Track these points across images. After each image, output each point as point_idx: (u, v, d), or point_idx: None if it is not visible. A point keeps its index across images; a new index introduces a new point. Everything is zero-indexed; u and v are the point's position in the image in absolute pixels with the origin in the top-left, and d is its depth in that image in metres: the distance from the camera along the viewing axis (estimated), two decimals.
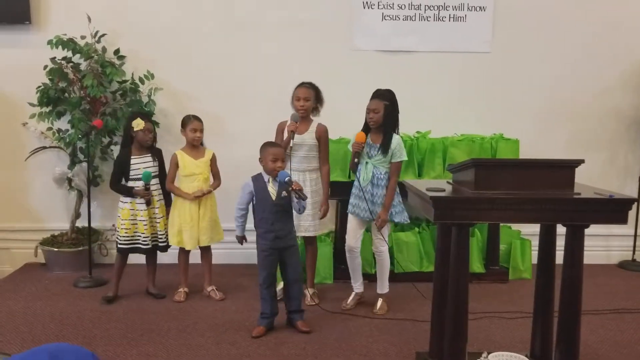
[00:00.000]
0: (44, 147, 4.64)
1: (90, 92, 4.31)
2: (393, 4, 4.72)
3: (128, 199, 3.84)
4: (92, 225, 4.39)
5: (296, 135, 3.73)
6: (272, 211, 3.35)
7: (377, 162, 3.62)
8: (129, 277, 4.26)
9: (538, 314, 2.84)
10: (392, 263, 4.37)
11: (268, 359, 3.08)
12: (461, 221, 2.46)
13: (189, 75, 4.69)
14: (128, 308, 3.80)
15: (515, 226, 4.74)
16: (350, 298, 3.86)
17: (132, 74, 4.55)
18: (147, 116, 3.99)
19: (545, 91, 4.86)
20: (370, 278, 4.17)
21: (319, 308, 3.77)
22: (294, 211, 3.41)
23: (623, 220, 2.46)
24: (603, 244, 4.95)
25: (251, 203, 3.46)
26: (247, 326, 3.48)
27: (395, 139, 3.61)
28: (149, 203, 3.82)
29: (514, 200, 2.44)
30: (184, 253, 4.03)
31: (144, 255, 4.01)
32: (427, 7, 4.73)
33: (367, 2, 4.71)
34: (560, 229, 2.64)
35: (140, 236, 3.87)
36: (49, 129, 4.53)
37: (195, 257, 4.11)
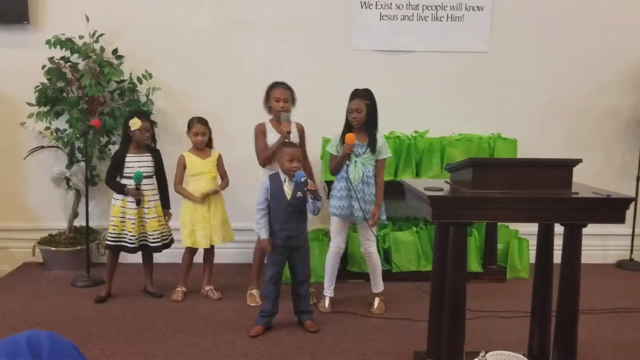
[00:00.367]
0: (42, 147, 4.63)
1: (88, 91, 4.30)
2: (391, 4, 4.72)
3: (120, 196, 3.85)
4: (90, 224, 4.38)
5: (275, 135, 3.73)
6: (286, 211, 3.37)
7: (365, 160, 3.64)
8: (126, 276, 4.27)
9: (536, 313, 2.84)
10: (389, 262, 4.40)
11: (265, 358, 3.08)
12: (459, 220, 2.47)
13: (187, 75, 4.69)
14: (125, 307, 3.79)
15: (512, 225, 4.74)
16: (327, 303, 3.80)
17: (130, 74, 4.54)
18: (145, 115, 3.99)
19: (543, 91, 4.87)
20: (367, 277, 4.17)
21: (313, 307, 3.76)
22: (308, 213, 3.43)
23: (620, 219, 2.47)
24: (600, 244, 4.96)
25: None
26: (244, 326, 3.48)
27: (380, 137, 3.68)
28: (138, 203, 3.80)
29: (512, 199, 2.44)
30: (190, 253, 4.03)
31: (140, 254, 4.00)
32: (425, 7, 4.73)
33: (365, 2, 4.71)
34: (558, 229, 2.64)
35: (127, 234, 3.86)
36: (47, 128, 4.52)
37: (195, 257, 4.10)
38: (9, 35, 4.58)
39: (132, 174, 3.78)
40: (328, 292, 3.83)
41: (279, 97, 3.74)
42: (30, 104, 4.43)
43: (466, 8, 4.74)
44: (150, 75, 4.52)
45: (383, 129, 4.50)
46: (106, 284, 3.98)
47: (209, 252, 4.06)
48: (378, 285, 3.83)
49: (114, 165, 3.89)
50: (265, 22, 4.68)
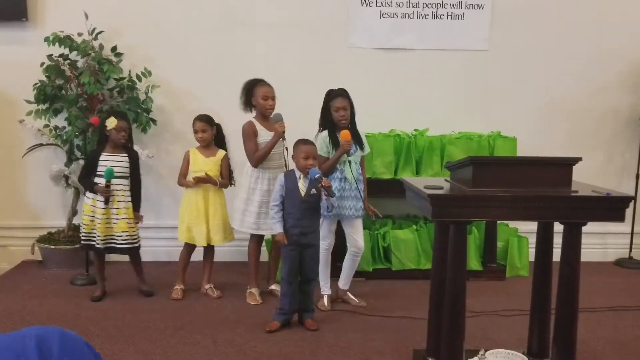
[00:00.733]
0: (41, 145, 4.62)
1: (87, 89, 4.29)
2: (391, 2, 4.71)
3: (91, 195, 3.80)
4: None
5: (266, 134, 3.72)
6: (300, 207, 3.38)
7: (357, 158, 3.69)
8: (125, 275, 4.26)
9: (535, 311, 2.84)
10: (389, 260, 4.40)
11: (265, 357, 3.08)
12: (459, 219, 2.46)
13: (187, 73, 4.68)
14: (125, 306, 3.79)
15: (512, 224, 4.74)
16: (326, 301, 3.80)
17: (130, 71, 4.54)
18: (122, 115, 3.92)
19: (543, 89, 4.86)
20: (368, 275, 4.18)
21: (316, 307, 3.77)
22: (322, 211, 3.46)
23: (620, 218, 2.47)
24: (600, 242, 4.96)
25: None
26: (244, 324, 3.48)
27: (362, 133, 3.75)
28: (107, 202, 3.74)
29: (512, 198, 2.44)
30: (187, 250, 4.03)
31: (141, 252, 4.00)
32: (425, 5, 4.72)
33: (365, 0, 4.70)
34: (558, 227, 2.64)
35: (95, 234, 3.81)
36: (46, 126, 4.51)
37: (194, 255, 4.10)
38: (8, 33, 4.56)
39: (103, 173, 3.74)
40: (326, 290, 3.83)
41: (268, 95, 3.74)
42: (29, 102, 4.42)
43: (466, 6, 4.73)
44: (150, 73, 4.51)
45: (383, 127, 4.53)
46: (99, 283, 3.96)
47: (209, 250, 4.05)
48: (349, 282, 3.85)
49: (87, 163, 3.87)
50: (265, 20, 4.67)
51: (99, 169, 3.78)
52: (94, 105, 4.40)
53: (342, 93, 3.65)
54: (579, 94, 4.90)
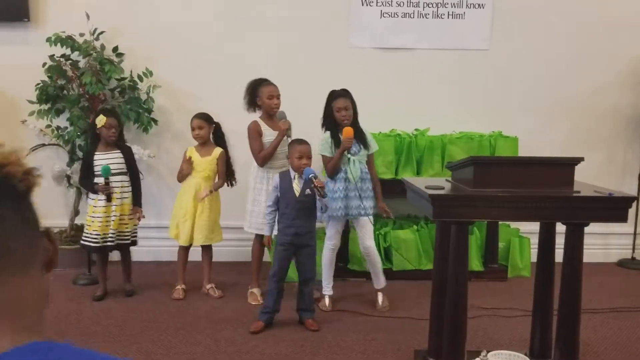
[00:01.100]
0: (43, 145, 4.62)
1: (89, 89, 4.29)
2: (392, 1, 4.70)
3: (94, 196, 3.83)
4: None
5: (272, 134, 3.72)
6: (295, 207, 3.38)
7: (361, 157, 3.69)
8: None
9: (537, 312, 2.84)
10: (390, 261, 4.39)
11: (265, 357, 3.08)
12: (460, 219, 2.46)
13: (188, 73, 4.67)
14: (127, 305, 3.79)
15: (514, 224, 4.73)
16: (327, 301, 3.80)
17: (131, 72, 4.54)
18: (111, 112, 3.92)
19: (544, 89, 4.85)
20: (368, 276, 4.16)
21: (317, 307, 3.76)
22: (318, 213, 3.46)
23: (623, 218, 2.46)
24: (602, 242, 4.94)
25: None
26: (245, 324, 3.48)
27: (367, 132, 3.74)
28: (109, 198, 3.77)
29: (513, 198, 2.44)
30: (183, 249, 4.03)
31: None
32: (425, 4, 4.71)
33: (365, 0, 4.69)
34: (560, 227, 2.63)
35: (92, 234, 3.82)
36: (48, 126, 4.52)
37: (194, 255, 4.10)
38: (10, 33, 4.57)
39: (100, 172, 3.76)
40: (327, 290, 3.83)
41: (273, 94, 3.74)
42: (31, 102, 4.42)
43: (467, 5, 4.73)
44: (151, 73, 4.51)
45: (384, 127, 4.52)
46: (101, 283, 3.96)
47: (205, 249, 4.05)
48: (380, 280, 3.82)
49: (83, 165, 3.89)
50: (265, 20, 4.67)
51: (95, 168, 3.79)
52: (96, 106, 4.40)
53: (343, 94, 3.65)
54: (580, 93, 4.88)
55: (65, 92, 4.46)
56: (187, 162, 3.88)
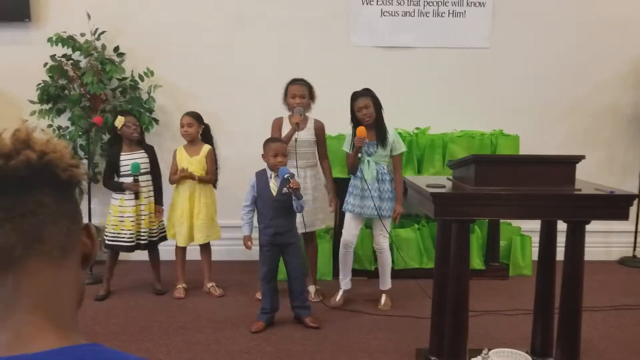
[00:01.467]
0: None
1: (90, 89, 4.30)
2: (392, 0, 4.70)
3: (119, 196, 3.86)
4: (93, 222, 4.38)
5: (297, 133, 3.72)
6: (273, 207, 3.36)
7: (378, 158, 3.67)
8: (129, 274, 4.27)
9: (539, 310, 2.84)
10: (392, 260, 4.39)
11: (268, 356, 3.08)
12: (461, 217, 2.46)
13: (189, 73, 4.68)
14: (128, 304, 3.80)
15: (515, 222, 4.73)
16: (339, 296, 3.83)
17: (132, 71, 4.54)
18: (128, 112, 3.97)
19: (545, 87, 4.85)
20: (370, 275, 4.17)
21: (320, 304, 3.77)
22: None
23: (624, 216, 2.46)
24: (603, 241, 4.94)
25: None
26: (246, 323, 3.48)
27: (391, 132, 3.71)
28: (137, 196, 3.81)
29: (515, 196, 2.44)
30: (180, 249, 4.03)
31: (144, 251, 4.01)
32: (426, 3, 4.71)
33: None
34: (561, 225, 2.63)
35: (126, 233, 3.85)
36: (49, 126, 4.52)
37: (195, 254, 4.11)
38: (11, 33, 4.57)
39: (128, 172, 3.80)
40: (341, 284, 3.86)
41: (295, 94, 3.76)
42: (32, 102, 4.43)
43: (467, 4, 4.73)
44: (152, 73, 4.52)
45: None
46: (105, 283, 3.97)
47: (204, 248, 4.05)
48: (386, 282, 3.83)
49: (110, 166, 3.91)
50: (265, 20, 4.67)
51: (123, 168, 3.84)
52: (97, 105, 4.41)
53: (362, 93, 3.66)
54: (581, 91, 4.88)
55: (66, 92, 4.47)
56: (182, 172, 3.87)
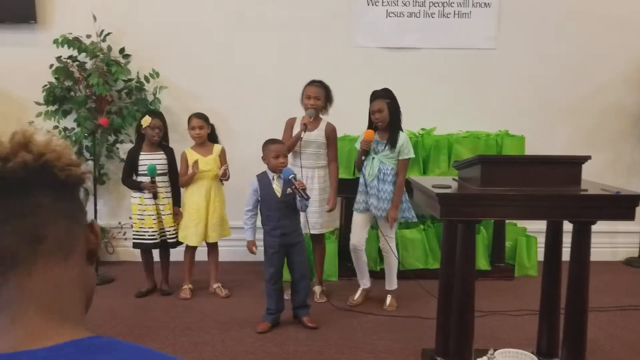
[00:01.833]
0: None
1: (96, 90, 4.32)
2: (397, 1, 4.70)
3: (138, 194, 3.91)
4: (99, 223, 4.40)
5: (305, 133, 3.73)
6: (278, 208, 3.37)
7: (383, 157, 3.66)
8: (136, 275, 4.28)
9: (544, 311, 2.83)
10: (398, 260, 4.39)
11: (273, 356, 3.09)
12: (467, 218, 2.46)
13: (194, 74, 4.69)
14: (134, 305, 3.81)
15: (520, 223, 4.72)
16: (358, 294, 3.87)
17: (138, 73, 4.56)
18: (157, 114, 4.00)
19: (551, 88, 4.84)
20: (375, 275, 4.17)
21: (326, 305, 3.77)
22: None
23: (630, 216, 2.46)
24: (609, 241, 4.93)
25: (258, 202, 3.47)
26: (252, 323, 3.49)
27: (402, 136, 3.68)
28: (155, 196, 3.86)
29: (520, 196, 2.44)
30: (190, 249, 4.05)
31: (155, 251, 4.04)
32: (431, 4, 4.71)
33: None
34: (567, 226, 2.63)
35: (147, 231, 3.90)
36: (55, 127, 4.54)
37: (200, 254, 4.12)
38: (17, 35, 4.60)
39: (145, 171, 3.83)
40: (360, 284, 3.89)
41: (310, 95, 3.77)
42: (38, 103, 4.45)
43: (473, 4, 4.72)
44: (158, 74, 4.53)
45: None
46: (146, 280, 4.04)
47: (212, 249, 4.07)
48: (392, 282, 3.84)
49: (128, 163, 3.97)
50: (269, 20, 4.68)
51: (141, 168, 3.88)
52: (103, 107, 4.43)
53: (380, 95, 3.64)
54: (587, 92, 4.87)
55: (72, 93, 4.49)
56: (195, 166, 3.89)
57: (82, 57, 4.49)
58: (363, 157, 3.65)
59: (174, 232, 3.98)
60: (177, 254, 4.24)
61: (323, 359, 3.07)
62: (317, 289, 3.94)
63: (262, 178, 3.44)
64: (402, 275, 4.25)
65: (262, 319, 3.45)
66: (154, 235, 3.91)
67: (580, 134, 4.89)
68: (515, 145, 4.45)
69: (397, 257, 3.85)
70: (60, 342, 0.68)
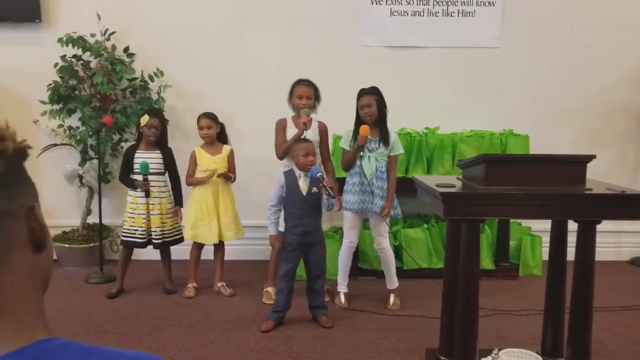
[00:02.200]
0: (55, 145, 4.67)
1: (101, 89, 4.33)
2: (401, 0, 4.70)
3: (132, 192, 3.92)
4: (103, 221, 4.41)
5: (295, 131, 3.73)
6: (302, 206, 3.39)
7: (378, 155, 3.68)
8: (139, 273, 4.29)
9: (549, 310, 2.82)
10: (400, 260, 4.38)
11: (277, 355, 3.09)
12: (471, 217, 2.45)
13: (198, 72, 4.70)
14: (138, 303, 3.82)
15: (525, 222, 4.71)
16: (343, 299, 3.82)
17: (142, 72, 4.57)
18: (155, 113, 4.00)
19: (555, 87, 4.82)
20: (379, 275, 4.17)
21: (329, 304, 3.77)
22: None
23: (635, 216, 2.44)
24: (614, 241, 4.91)
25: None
26: (256, 322, 3.49)
27: (393, 133, 3.74)
28: (147, 194, 3.85)
29: (525, 195, 2.43)
30: (197, 248, 4.05)
31: (156, 251, 4.04)
32: (435, 2, 4.70)
33: None
34: (572, 225, 2.62)
35: (137, 229, 3.90)
36: (60, 126, 4.56)
37: (205, 253, 4.12)
38: (22, 34, 4.61)
39: (138, 169, 3.83)
40: (342, 287, 3.84)
41: (301, 94, 3.76)
42: (43, 102, 4.46)
43: (477, 3, 4.71)
44: (162, 73, 4.54)
45: (394, 126, 4.49)
46: (118, 280, 4.01)
47: (219, 248, 4.08)
48: (392, 281, 3.83)
49: (124, 161, 3.99)
50: (273, 19, 4.68)
51: (135, 166, 3.89)
52: (107, 105, 4.44)
53: (368, 91, 3.67)
54: (591, 91, 4.85)
55: (76, 92, 4.50)
56: (208, 177, 3.89)
57: (86, 56, 4.50)
58: (362, 154, 3.63)
59: (169, 231, 3.97)
60: (179, 253, 4.25)
61: (327, 358, 3.07)
62: None
63: (289, 175, 3.46)
64: (414, 274, 4.25)
65: (266, 317, 3.46)
66: (143, 234, 3.90)
67: (585, 133, 4.87)
68: (520, 144, 4.44)
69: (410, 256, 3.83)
70: (12, 350, 0.64)
